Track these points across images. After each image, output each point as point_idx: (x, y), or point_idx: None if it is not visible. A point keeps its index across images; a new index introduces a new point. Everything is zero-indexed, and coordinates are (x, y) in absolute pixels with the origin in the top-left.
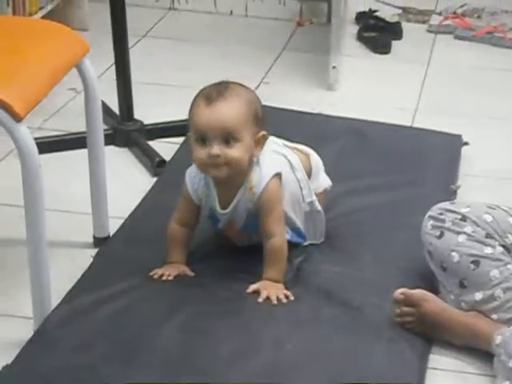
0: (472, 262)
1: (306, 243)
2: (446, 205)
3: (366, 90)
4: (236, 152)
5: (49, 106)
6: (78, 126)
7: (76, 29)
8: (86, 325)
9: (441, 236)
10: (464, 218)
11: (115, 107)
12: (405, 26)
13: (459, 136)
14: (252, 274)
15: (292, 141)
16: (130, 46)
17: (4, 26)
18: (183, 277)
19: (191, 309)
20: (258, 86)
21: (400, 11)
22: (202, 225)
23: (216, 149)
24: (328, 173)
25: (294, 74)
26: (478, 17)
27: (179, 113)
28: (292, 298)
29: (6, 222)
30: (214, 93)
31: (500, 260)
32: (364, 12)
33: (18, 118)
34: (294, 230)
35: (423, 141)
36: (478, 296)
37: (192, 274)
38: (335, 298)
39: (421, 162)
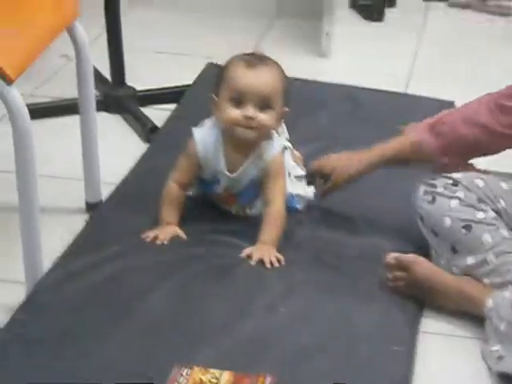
0: (464, 227)
1: (299, 207)
2: None
3: (359, 57)
4: (268, 119)
5: (41, 73)
6: (70, 92)
7: None
8: (77, 289)
9: (433, 201)
10: (456, 183)
11: (107, 73)
12: None
13: (452, 102)
14: (247, 240)
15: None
16: (121, 11)
17: None
18: (177, 240)
19: (184, 273)
20: None
21: None
22: (196, 190)
23: (252, 111)
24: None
25: (287, 42)
26: None
27: (171, 80)
28: (283, 262)
29: None
30: (254, 59)
31: (492, 224)
32: None
33: (8, 81)
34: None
35: (416, 107)
36: (470, 260)
37: (185, 237)
38: (327, 263)
39: None
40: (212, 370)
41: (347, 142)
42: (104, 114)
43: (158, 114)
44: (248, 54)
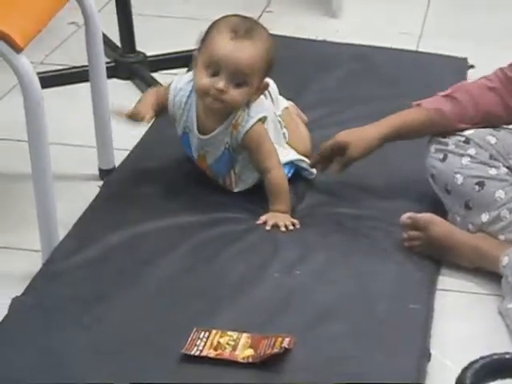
0: (476, 184)
1: (312, 176)
2: None
3: (370, 15)
4: (239, 95)
5: (50, 41)
6: (80, 59)
7: None
8: (93, 255)
9: (444, 159)
10: (467, 140)
11: (117, 40)
12: None
13: (465, 59)
14: (263, 207)
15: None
16: None
17: None
18: (191, 207)
19: (199, 236)
20: (261, 15)
21: None
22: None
23: (223, 84)
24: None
25: (298, 2)
26: None
27: (181, 44)
28: (298, 225)
29: (12, 156)
30: (241, 29)
31: (505, 180)
32: None
33: (18, 49)
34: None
35: (428, 65)
36: (484, 217)
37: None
38: (343, 224)
39: (426, 86)
40: (230, 333)
41: (362, 100)
42: (115, 81)
43: (169, 79)
44: (240, 19)
